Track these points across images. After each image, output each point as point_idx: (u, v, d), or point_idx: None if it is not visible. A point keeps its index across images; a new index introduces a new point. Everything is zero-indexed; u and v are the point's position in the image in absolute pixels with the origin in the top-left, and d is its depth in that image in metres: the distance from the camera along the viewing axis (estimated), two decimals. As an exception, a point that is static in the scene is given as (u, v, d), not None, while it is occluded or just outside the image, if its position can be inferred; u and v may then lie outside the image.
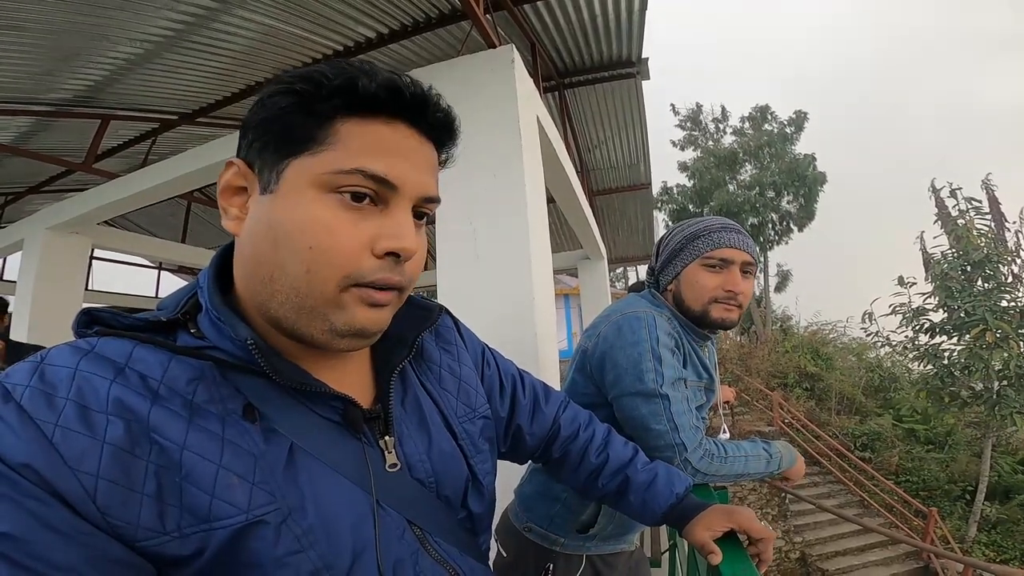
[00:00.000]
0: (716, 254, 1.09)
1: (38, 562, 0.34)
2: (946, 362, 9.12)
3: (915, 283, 9.66)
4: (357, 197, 0.46)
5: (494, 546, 1.20)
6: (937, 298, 9.27)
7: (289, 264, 0.45)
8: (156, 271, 9.18)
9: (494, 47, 2.34)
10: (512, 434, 0.80)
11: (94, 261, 7.53)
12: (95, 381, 0.41)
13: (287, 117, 0.46)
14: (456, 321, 0.76)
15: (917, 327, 9.54)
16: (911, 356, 10.00)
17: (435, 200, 0.52)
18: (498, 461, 0.74)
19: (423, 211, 0.52)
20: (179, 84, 3.32)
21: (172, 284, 9.40)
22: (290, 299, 0.46)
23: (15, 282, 4.41)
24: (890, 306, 9.80)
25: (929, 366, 9.45)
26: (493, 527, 0.70)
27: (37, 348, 2.46)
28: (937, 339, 9.37)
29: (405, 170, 0.48)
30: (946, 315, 9.21)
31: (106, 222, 4.77)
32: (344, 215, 0.46)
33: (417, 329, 0.61)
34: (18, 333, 3.88)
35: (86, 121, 3.59)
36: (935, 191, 10.14)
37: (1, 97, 3.20)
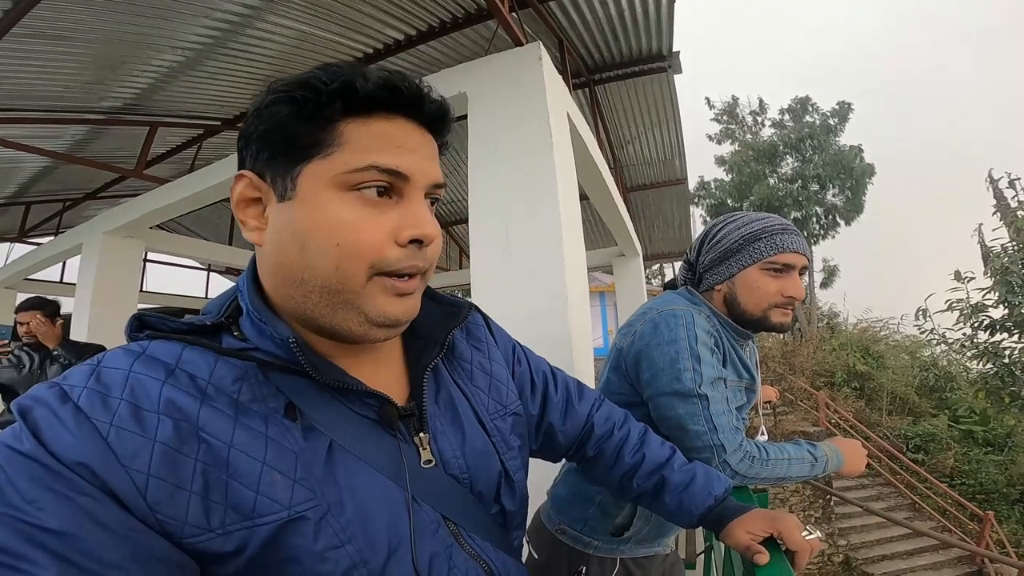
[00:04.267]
0: (780, 259, 1.04)
1: (87, 559, 0.35)
2: (1007, 360, 8.55)
3: (973, 278, 9.07)
4: (376, 192, 0.48)
5: (525, 547, 1.19)
6: (997, 293, 8.70)
7: (318, 264, 0.47)
8: (205, 272, 9.56)
9: (521, 45, 2.34)
10: (544, 432, 0.80)
11: (147, 263, 7.92)
12: (147, 382, 0.42)
13: (290, 125, 0.48)
14: (486, 318, 0.76)
15: (976, 324, 8.99)
16: (969, 354, 9.41)
17: (442, 185, 0.54)
18: (531, 461, 0.74)
19: (434, 196, 0.54)
20: (220, 90, 3.45)
21: (220, 284, 9.78)
22: (324, 297, 0.48)
23: (75, 284, 4.66)
24: (946, 302, 9.26)
25: (989, 365, 8.89)
26: (525, 525, 0.70)
27: (99, 348, 2.58)
28: (997, 336, 8.81)
29: (414, 160, 0.50)
30: (1007, 311, 8.66)
31: (158, 226, 5.01)
32: (365, 211, 0.48)
33: (447, 327, 0.62)
34: (78, 332, 4.10)
35: (136, 129, 3.76)
36: (992, 182, 9.55)
37: (54, 106, 3.37)
